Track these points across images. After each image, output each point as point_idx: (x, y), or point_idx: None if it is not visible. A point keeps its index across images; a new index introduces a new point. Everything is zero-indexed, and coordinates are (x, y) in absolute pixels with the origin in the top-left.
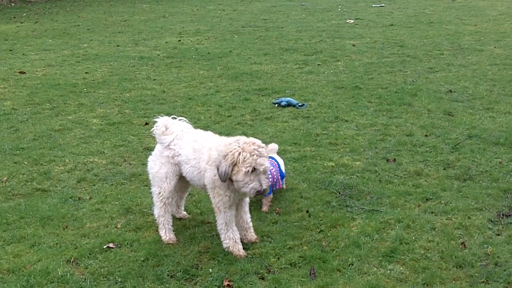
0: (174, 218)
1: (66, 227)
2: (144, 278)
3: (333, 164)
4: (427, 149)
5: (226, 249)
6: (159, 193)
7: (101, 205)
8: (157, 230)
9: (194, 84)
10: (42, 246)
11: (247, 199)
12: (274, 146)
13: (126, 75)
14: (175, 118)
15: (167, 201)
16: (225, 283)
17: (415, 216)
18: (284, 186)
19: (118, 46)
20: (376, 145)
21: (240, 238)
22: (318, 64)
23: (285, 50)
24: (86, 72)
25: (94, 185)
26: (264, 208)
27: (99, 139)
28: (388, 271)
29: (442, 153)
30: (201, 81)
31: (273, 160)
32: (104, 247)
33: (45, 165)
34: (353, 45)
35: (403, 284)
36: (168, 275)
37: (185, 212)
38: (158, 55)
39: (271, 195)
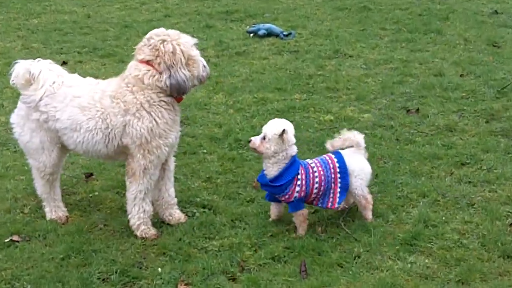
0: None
1: None
2: (65, 284)
3: (332, 118)
4: (463, 94)
5: (134, 228)
6: (38, 168)
7: (1, 181)
8: (81, 216)
9: (132, 4)
10: None
11: (173, 157)
12: (355, 137)
13: None
14: (41, 62)
15: (51, 177)
16: (180, 287)
17: (445, 187)
18: (341, 206)
19: None
20: (392, 89)
21: (163, 217)
22: None
23: None
24: None
25: None
26: (301, 232)
27: None
28: (409, 265)
29: (484, 99)
30: (143, 1)
31: (333, 157)
32: (6, 240)
33: None
34: None
35: (429, 282)
36: (98, 278)
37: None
38: None
39: (304, 210)
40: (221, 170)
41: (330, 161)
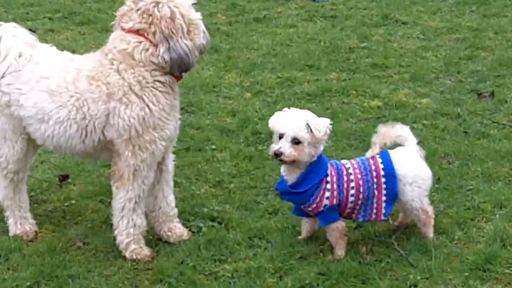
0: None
1: None
2: None
3: (379, 104)
4: None
5: (122, 247)
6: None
7: None
8: (54, 231)
9: None
10: None
11: (171, 155)
12: (397, 131)
13: None
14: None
15: (15, 177)
16: None
17: None
18: (392, 222)
19: None
20: (458, 67)
21: (160, 233)
22: None
23: None
24: None
25: None
26: (339, 253)
27: None
28: None
29: None
30: None
31: (376, 157)
32: None
33: None
34: None
35: None
36: None
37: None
38: None
39: (340, 223)
40: (235, 172)
41: (372, 162)
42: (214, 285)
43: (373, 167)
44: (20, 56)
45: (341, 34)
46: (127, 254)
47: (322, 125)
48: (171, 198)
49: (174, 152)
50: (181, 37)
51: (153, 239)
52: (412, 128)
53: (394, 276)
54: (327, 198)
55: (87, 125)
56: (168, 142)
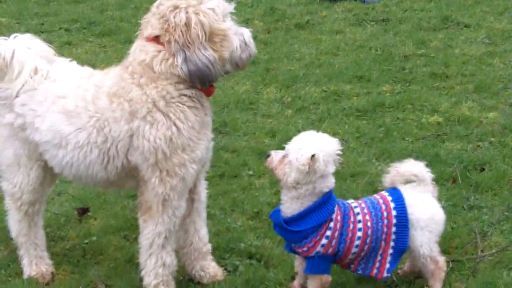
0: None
1: None
2: None
3: (440, 120)
4: None
5: None
6: (13, 194)
7: None
8: (73, 272)
9: None
10: None
11: (204, 182)
12: (411, 169)
13: None
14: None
15: (30, 209)
16: None
17: None
18: (400, 274)
19: None
20: None
21: (191, 273)
22: None
23: None
24: None
25: None
26: None
27: None
28: None
29: None
30: None
31: (388, 199)
32: None
33: None
34: None
35: None
36: None
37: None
38: None
39: (326, 277)
40: (275, 201)
41: (384, 206)
42: None
43: (384, 214)
44: (35, 72)
45: (394, 40)
46: None
47: (305, 157)
48: (203, 233)
49: (206, 179)
50: (199, 48)
51: (184, 279)
52: (477, 147)
53: None
54: (322, 245)
55: (109, 149)
56: (199, 165)
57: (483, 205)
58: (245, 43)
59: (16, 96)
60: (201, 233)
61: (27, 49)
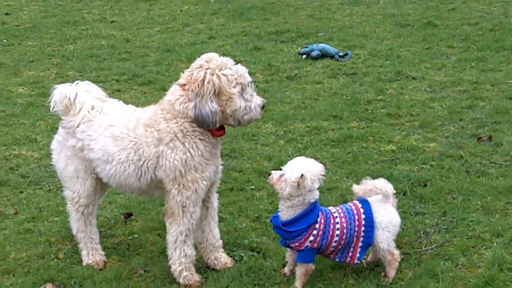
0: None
1: None
2: None
3: (394, 148)
4: None
5: (176, 275)
6: (72, 199)
7: (33, 223)
8: (120, 261)
9: (174, 26)
10: None
11: (216, 194)
12: (382, 186)
13: (67, 16)
14: (80, 85)
15: (86, 210)
16: None
17: None
18: (364, 263)
19: None
20: (460, 115)
21: (207, 261)
22: None
23: None
24: (7, 13)
25: (21, 192)
26: (296, 285)
27: (28, 119)
28: None
29: None
30: (186, 22)
31: (359, 206)
32: None
33: None
34: None
35: None
36: None
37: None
38: None
39: (311, 265)
40: (271, 208)
41: (355, 212)
42: None
43: (356, 217)
44: (92, 108)
45: (360, 88)
46: (180, 280)
47: (296, 176)
48: (216, 232)
49: (218, 192)
50: (207, 100)
51: (202, 267)
52: (421, 169)
53: None
54: (310, 241)
55: (142, 165)
56: (209, 182)
57: (426, 212)
58: (250, 108)
59: (77, 126)
60: (214, 232)
61: (86, 92)
